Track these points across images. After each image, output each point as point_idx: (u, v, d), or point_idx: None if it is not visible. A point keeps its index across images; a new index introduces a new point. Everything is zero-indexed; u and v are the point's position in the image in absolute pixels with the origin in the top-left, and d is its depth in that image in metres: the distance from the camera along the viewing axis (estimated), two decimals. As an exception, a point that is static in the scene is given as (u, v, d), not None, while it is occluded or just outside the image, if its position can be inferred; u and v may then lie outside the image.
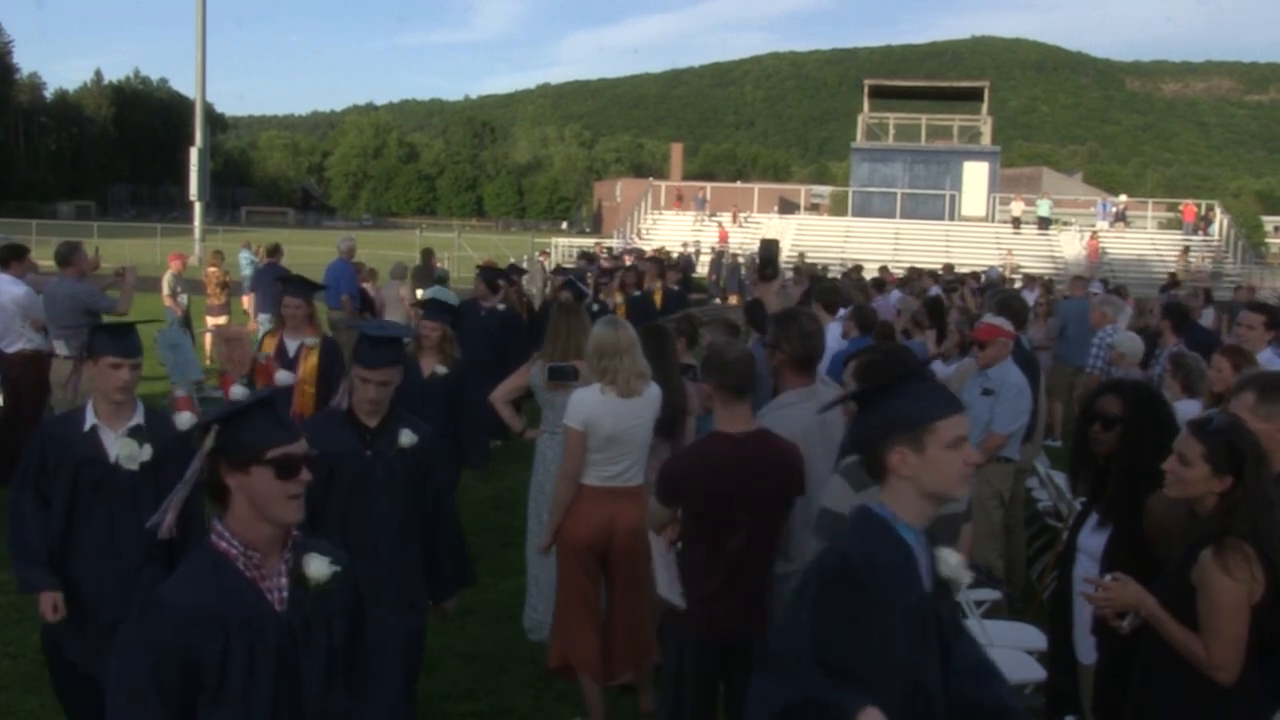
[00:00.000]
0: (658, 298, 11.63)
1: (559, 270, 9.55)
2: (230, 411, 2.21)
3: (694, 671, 3.48)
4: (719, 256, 30.55)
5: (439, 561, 3.70)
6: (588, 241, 37.54)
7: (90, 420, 3.50)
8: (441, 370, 5.88)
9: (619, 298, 10.87)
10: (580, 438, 4.16)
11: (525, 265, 16.59)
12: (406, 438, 3.57)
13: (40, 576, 3.50)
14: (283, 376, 5.76)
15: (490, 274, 9.66)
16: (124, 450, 3.47)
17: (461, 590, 3.91)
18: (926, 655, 2.18)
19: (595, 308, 8.92)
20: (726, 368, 3.46)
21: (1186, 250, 31.99)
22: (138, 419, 3.54)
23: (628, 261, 15.89)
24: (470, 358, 6.96)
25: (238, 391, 5.54)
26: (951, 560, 2.28)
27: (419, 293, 10.67)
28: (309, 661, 2.22)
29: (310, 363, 5.88)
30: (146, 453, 3.50)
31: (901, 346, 3.84)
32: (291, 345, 5.94)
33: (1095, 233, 33.48)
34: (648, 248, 29.92)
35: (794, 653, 2.11)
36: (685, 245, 32.32)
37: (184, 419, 4.03)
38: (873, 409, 2.28)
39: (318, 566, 2.24)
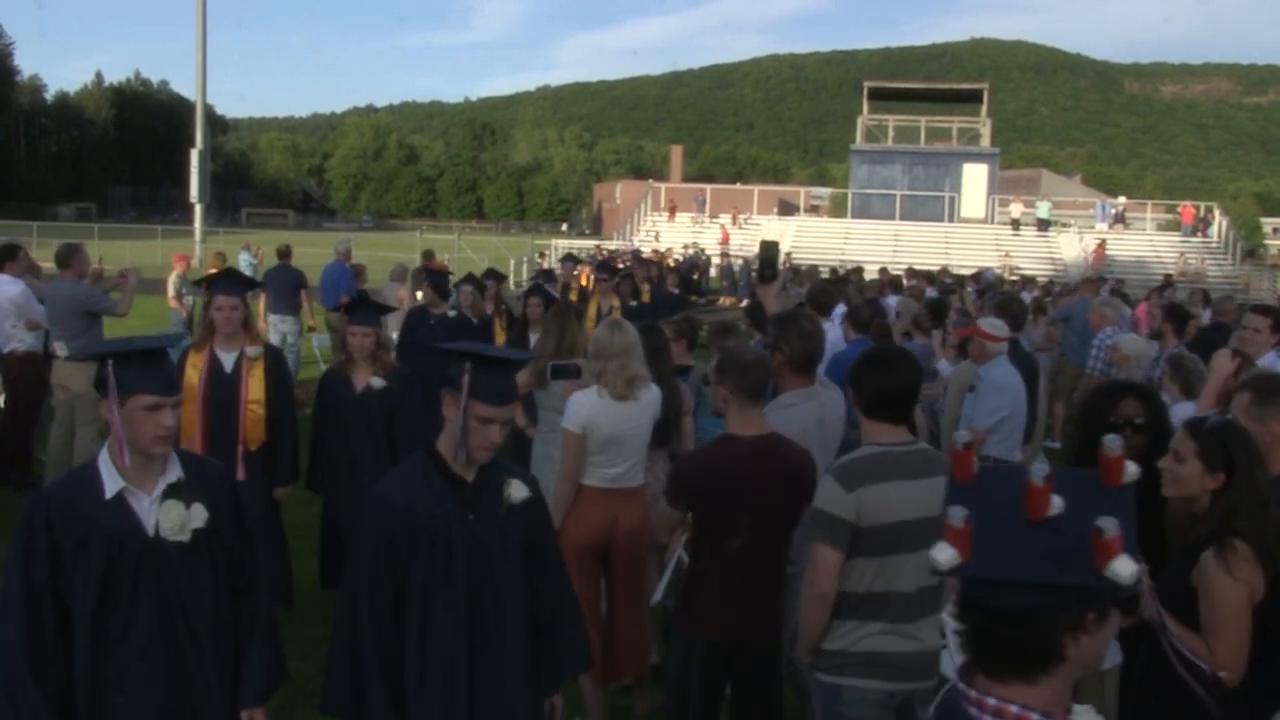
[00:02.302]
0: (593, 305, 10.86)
1: (534, 284, 8.94)
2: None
3: (700, 674, 3.47)
4: (699, 258, 30.52)
5: (554, 643, 2.90)
6: (588, 243, 37.56)
7: (114, 483, 2.55)
8: (378, 383, 5.14)
9: (615, 301, 10.41)
10: (578, 440, 4.17)
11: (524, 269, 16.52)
12: (517, 490, 2.79)
13: None
14: None
15: (439, 278, 8.86)
16: (169, 518, 2.56)
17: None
18: None
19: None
20: (746, 370, 3.43)
21: (1252, 253, 32.25)
22: (174, 472, 2.61)
23: (620, 265, 15.88)
24: (419, 369, 6.45)
25: None
26: None
27: (418, 295, 10.57)
28: None
29: (256, 377, 4.95)
30: (199, 516, 2.59)
31: (901, 348, 3.83)
32: (227, 359, 4.92)
33: (1103, 241, 33.22)
34: (647, 249, 30.00)
35: None
36: (686, 247, 32.38)
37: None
38: None
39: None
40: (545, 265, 20.39)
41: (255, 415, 4.93)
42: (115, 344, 2.63)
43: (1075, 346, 10.44)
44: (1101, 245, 32.51)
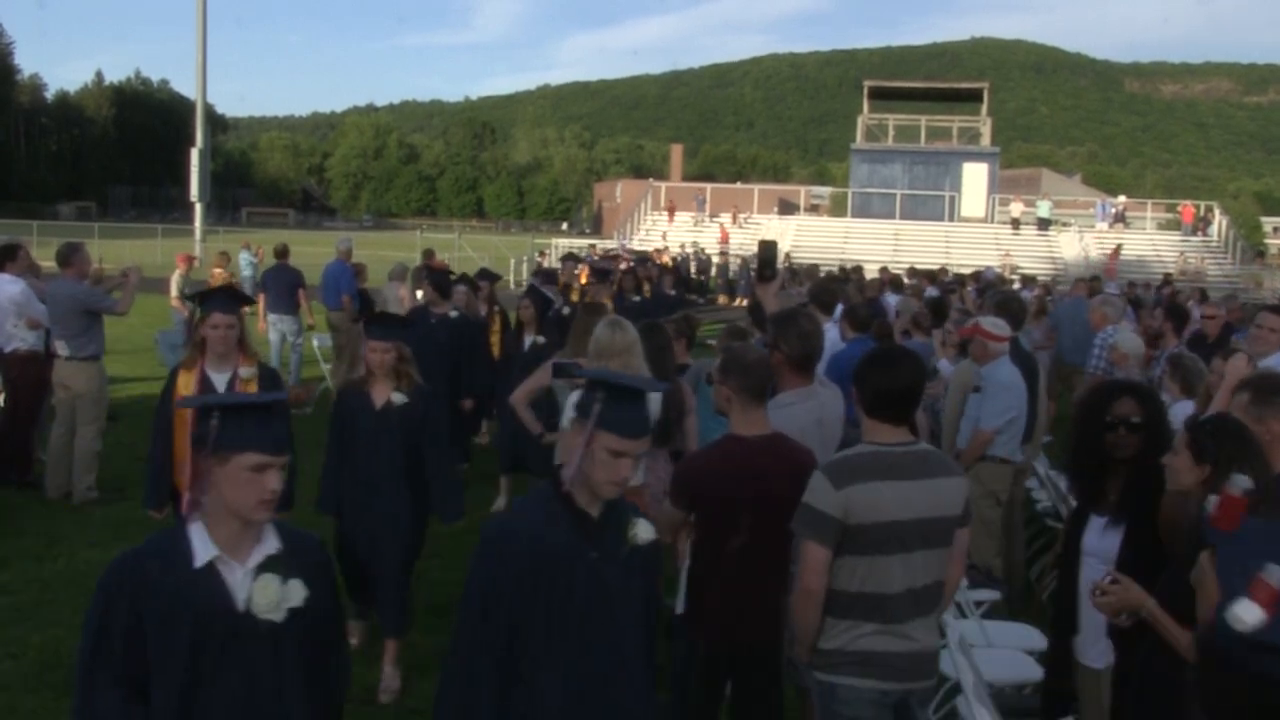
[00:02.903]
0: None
1: (530, 288, 8.38)
2: None
3: (703, 673, 3.48)
4: (699, 257, 30.46)
5: None
6: (588, 242, 37.54)
7: (205, 550, 2.27)
8: (399, 399, 4.75)
9: (607, 303, 10.43)
10: (578, 439, 4.17)
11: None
12: (644, 531, 2.61)
13: None
14: None
15: (440, 277, 8.48)
16: (265, 594, 2.28)
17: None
18: None
19: (566, 310, 8.35)
20: (748, 370, 3.44)
21: (1262, 254, 31.69)
22: (272, 543, 2.35)
23: (622, 264, 15.75)
24: (420, 370, 6.44)
25: None
26: None
27: (418, 294, 10.52)
28: None
29: None
30: (296, 594, 2.32)
31: (905, 347, 3.83)
32: (219, 379, 4.68)
33: (1118, 246, 32.24)
34: (648, 249, 29.97)
35: None
36: (683, 246, 32.39)
37: None
38: None
39: None
40: (545, 265, 20.25)
41: None
42: (225, 397, 2.45)
43: (1069, 346, 10.51)
44: (1116, 250, 32.10)
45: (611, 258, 19.76)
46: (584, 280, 12.34)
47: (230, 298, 4.87)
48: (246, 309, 5.04)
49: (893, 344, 5.33)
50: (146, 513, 4.85)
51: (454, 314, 8.19)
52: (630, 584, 2.57)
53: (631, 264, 15.32)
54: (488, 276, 9.55)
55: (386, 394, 4.75)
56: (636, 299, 11.07)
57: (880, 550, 2.97)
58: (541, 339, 7.31)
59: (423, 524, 4.94)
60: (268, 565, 2.32)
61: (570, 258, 13.75)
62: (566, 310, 8.41)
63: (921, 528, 3.00)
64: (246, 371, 4.69)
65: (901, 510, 2.96)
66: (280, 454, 2.31)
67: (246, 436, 2.25)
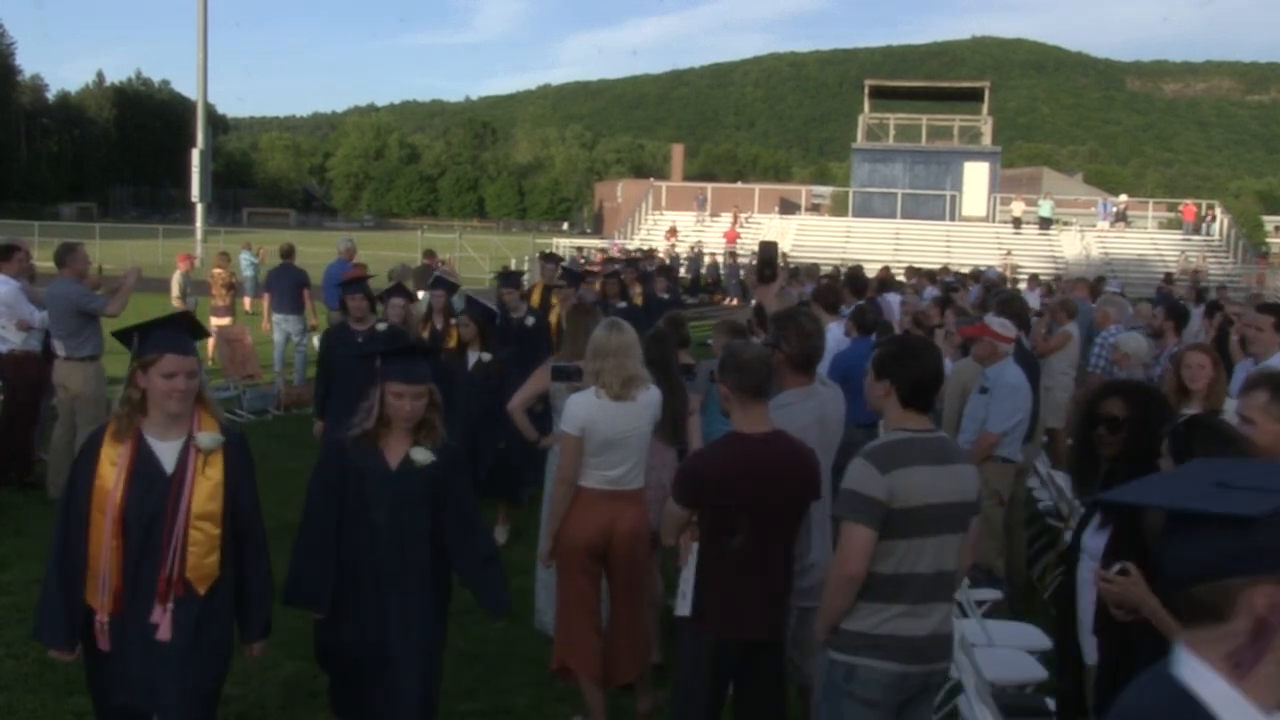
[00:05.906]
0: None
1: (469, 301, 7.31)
2: None
3: (709, 672, 3.48)
4: (679, 258, 30.39)
5: None
6: (588, 242, 37.48)
7: None
8: (424, 457, 3.51)
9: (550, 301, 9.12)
10: (576, 443, 4.16)
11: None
12: None
13: None
14: None
15: (355, 286, 7.17)
16: None
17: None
18: None
19: (530, 321, 7.90)
20: (743, 368, 3.45)
21: None
22: None
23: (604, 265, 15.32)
24: (342, 393, 5.77)
25: None
26: None
27: (419, 294, 10.18)
28: None
29: (213, 480, 3.13)
30: None
31: (921, 338, 3.82)
32: (165, 449, 3.12)
33: (1267, 254, 31.42)
34: (645, 248, 29.95)
35: None
36: (674, 246, 32.37)
37: None
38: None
39: None
40: (510, 267, 18.81)
41: (207, 537, 3.12)
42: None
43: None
44: (1264, 258, 31.22)
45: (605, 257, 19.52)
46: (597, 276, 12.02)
47: (184, 333, 3.21)
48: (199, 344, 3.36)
49: (910, 335, 5.32)
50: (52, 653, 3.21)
51: (382, 327, 7.14)
52: None
53: (618, 267, 14.89)
54: (444, 286, 8.29)
55: (404, 449, 3.50)
56: (623, 305, 10.23)
57: (919, 533, 3.04)
58: (488, 355, 6.72)
59: (444, 629, 3.71)
60: None
61: (551, 258, 12.10)
62: (531, 321, 7.80)
63: (948, 511, 3.10)
64: (208, 440, 3.15)
65: (934, 494, 3.05)
66: None
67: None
